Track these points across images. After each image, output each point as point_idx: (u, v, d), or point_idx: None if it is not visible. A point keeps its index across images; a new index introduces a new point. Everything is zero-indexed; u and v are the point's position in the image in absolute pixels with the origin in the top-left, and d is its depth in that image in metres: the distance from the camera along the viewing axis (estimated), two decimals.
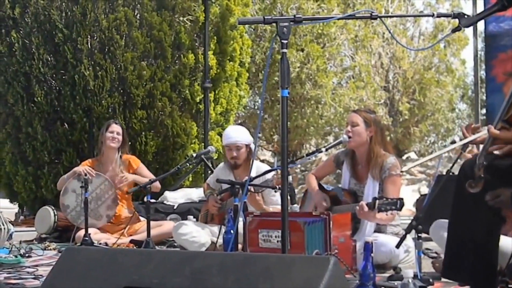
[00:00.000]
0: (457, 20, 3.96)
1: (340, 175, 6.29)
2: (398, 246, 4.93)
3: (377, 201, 5.18)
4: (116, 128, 7.97)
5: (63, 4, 10.47)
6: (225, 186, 6.25)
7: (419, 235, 4.64)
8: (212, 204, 6.91)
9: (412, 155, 21.93)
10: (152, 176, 7.88)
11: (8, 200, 11.55)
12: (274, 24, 3.92)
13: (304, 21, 4.02)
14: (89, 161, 8.15)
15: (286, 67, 3.84)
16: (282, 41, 3.86)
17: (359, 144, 5.92)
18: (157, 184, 7.57)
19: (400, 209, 5.18)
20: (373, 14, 4.05)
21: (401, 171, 5.83)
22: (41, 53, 10.26)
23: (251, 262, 3.08)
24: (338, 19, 4.41)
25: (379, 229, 5.80)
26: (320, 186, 6.20)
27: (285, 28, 3.85)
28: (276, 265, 3.02)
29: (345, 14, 4.81)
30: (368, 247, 3.47)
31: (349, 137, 5.89)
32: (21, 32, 10.45)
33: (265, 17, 3.94)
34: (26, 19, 10.52)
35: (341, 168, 6.18)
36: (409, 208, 11.43)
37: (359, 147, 5.95)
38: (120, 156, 8.04)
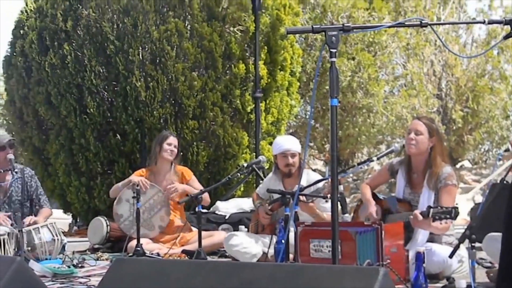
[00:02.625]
0: (509, 26, 3.91)
1: (393, 184, 6.25)
2: (451, 256, 4.88)
3: (432, 210, 5.15)
4: (173, 141, 8.02)
5: (115, 16, 10.55)
6: (275, 196, 6.24)
7: (473, 244, 4.58)
8: (262, 215, 6.89)
9: (466, 163, 21.65)
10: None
11: (62, 210, 11.69)
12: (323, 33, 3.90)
13: (353, 30, 3.99)
14: (143, 171, 8.16)
15: (335, 77, 3.82)
16: (331, 50, 3.84)
17: (419, 153, 5.88)
18: (207, 198, 7.59)
19: (454, 218, 5.14)
20: (423, 22, 4.01)
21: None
22: (93, 65, 10.36)
23: (301, 273, 3.06)
24: (387, 27, 4.39)
25: (432, 239, 5.74)
26: (374, 195, 6.17)
27: (333, 37, 3.83)
28: (325, 276, 2.99)
29: (396, 22, 4.77)
30: (420, 257, 3.44)
31: (412, 145, 5.85)
32: (74, 44, 10.56)
33: (314, 26, 3.92)
34: (78, 31, 10.63)
35: (395, 177, 6.15)
36: (463, 217, 11.27)
37: (418, 156, 5.91)
38: (173, 167, 8.08)
